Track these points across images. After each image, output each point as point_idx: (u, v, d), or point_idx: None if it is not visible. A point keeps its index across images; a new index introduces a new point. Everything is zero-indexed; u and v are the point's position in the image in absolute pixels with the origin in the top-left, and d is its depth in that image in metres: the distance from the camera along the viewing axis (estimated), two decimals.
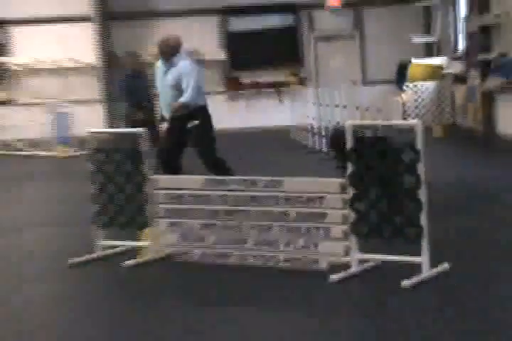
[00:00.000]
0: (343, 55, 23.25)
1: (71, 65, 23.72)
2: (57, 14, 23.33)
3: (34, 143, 19.30)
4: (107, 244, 7.33)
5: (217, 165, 9.69)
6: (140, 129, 7.16)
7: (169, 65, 9.58)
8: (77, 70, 23.87)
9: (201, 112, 9.64)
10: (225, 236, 6.89)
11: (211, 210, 6.94)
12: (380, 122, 7.88)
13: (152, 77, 12.44)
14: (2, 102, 23.01)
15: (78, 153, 17.85)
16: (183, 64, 9.56)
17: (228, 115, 20.62)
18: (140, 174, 7.07)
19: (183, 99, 9.50)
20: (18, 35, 23.96)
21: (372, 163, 6.17)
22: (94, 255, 7.25)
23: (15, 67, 23.53)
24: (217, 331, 5.24)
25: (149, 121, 12.37)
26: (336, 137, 9.44)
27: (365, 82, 22.86)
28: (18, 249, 8.39)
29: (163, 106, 9.90)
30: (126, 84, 13.11)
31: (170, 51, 9.59)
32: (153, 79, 12.07)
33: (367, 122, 7.08)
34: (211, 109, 9.85)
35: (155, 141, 11.84)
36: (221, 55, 23.40)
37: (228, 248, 6.86)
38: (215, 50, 23.40)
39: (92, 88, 23.70)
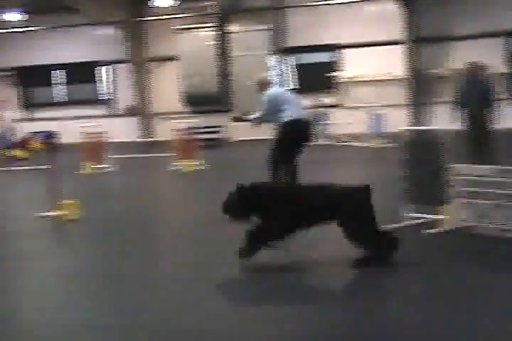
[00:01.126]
0: None
1: (385, 77, 23.67)
2: (376, 39, 23.43)
3: (354, 137, 19.44)
4: (412, 216, 7.15)
5: (274, 167, 9.96)
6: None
7: None
8: (390, 81, 23.76)
9: (281, 127, 9.92)
10: (507, 215, 6.43)
11: (497, 193, 6.52)
12: None
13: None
14: (333, 106, 23.51)
15: (389, 145, 17.79)
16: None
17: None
18: (438, 162, 6.87)
19: (253, 116, 10.39)
20: (347, 55, 24.33)
21: None
22: (403, 223, 7.10)
23: (343, 80, 23.88)
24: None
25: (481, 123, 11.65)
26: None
27: None
28: None
29: None
30: (465, 89, 12.08)
31: (260, 86, 10.23)
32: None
33: None
34: None
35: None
36: (504, 69, 22.22)
37: (509, 224, 6.41)
38: (498, 65, 22.23)
39: (400, 95, 23.53)
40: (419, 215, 7.15)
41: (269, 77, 11.10)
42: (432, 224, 6.92)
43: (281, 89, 10.93)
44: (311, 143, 10.49)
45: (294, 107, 10.03)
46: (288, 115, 9.87)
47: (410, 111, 23.03)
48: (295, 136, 9.93)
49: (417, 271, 5.64)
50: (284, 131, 9.90)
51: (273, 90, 10.24)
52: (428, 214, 7.08)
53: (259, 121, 10.38)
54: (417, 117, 22.69)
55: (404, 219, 7.12)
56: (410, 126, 20.77)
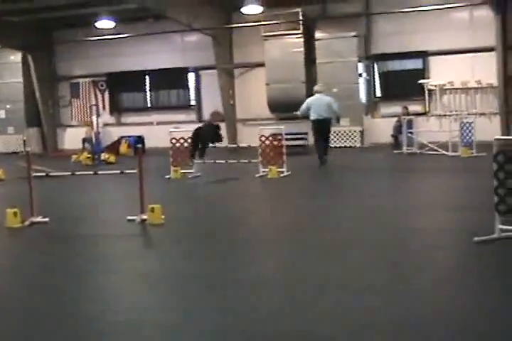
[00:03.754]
0: None
1: (475, 85, 23.16)
2: (466, 46, 22.97)
3: (443, 145, 19.04)
4: (504, 228, 6.89)
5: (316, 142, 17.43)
6: None
7: None
8: (480, 90, 23.26)
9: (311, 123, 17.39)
10: None
11: None
12: None
13: None
14: (421, 114, 23.14)
15: (478, 155, 17.41)
16: None
17: None
18: None
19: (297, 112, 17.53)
20: (435, 62, 23.92)
21: None
22: (494, 236, 6.84)
23: (431, 87, 23.46)
24: None
25: None
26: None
27: None
28: (431, 226, 8.22)
29: None
30: None
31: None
32: None
33: None
34: None
35: None
36: None
37: None
38: None
39: (490, 103, 23.00)
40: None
41: (319, 88, 17.85)
42: None
43: (318, 97, 17.22)
44: (330, 133, 18.14)
45: (317, 110, 16.89)
46: (312, 116, 16.98)
47: (502, 119, 22.44)
48: (315, 129, 17.18)
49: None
50: (311, 126, 17.39)
51: (310, 98, 17.54)
52: None
53: (299, 114, 17.34)
54: (509, 126, 22.10)
55: (497, 231, 6.87)
56: (501, 135, 20.24)
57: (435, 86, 23.44)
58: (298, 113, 17.39)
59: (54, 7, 23.86)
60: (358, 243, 7.11)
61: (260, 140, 15.04)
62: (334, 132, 23.61)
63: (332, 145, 23.10)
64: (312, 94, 17.98)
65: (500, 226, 6.87)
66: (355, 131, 23.93)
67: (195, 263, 6.40)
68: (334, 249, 6.82)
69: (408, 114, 22.00)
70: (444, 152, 18.70)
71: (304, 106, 17.20)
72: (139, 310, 4.93)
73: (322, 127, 17.02)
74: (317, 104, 16.97)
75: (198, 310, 4.85)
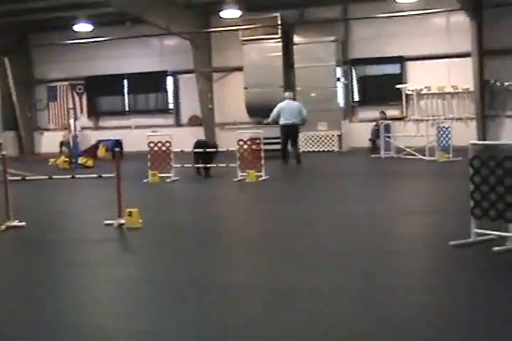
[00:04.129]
0: None
1: (452, 90, 23.39)
2: (443, 52, 23.19)
3: (420, 150, 19.17)
4: (480, 232, 6.96)
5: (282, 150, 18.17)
6: None
7: None
8: (456, 94, 23.49)
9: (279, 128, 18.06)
10: None
11: None
12: None
13: None
14: (398, 118, 23.29)
15: (454, 159, 17.54)
16: None
17: None
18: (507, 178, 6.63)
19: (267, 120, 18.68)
20: (412, 67, 24.12)
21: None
22: (470, 240, 6.91)
23: (408, 92, 23.66)
24: None
25: None
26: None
27: None
28: (407, 230, 8.27)
29: None
30: None
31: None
32: None
33: None
34: None
35: None
36: None
37: None
38: None
39: (466, 108, 23.23)
40: (488, 232, 6.95)
41: (289, 94, 18.92)
42: (502, 241, 6.72)
43: (288, 102, 18.18)
44: (298, 138, 18.75)
45: (288, 115, 17.73)
46: (281, 120, 17.80)
47: (478, 124, 22.67)
48: (284, 133, 17.96)
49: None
50: (280, 130, 18.04)
51: (280, 103, 18.15)
52: (496, 230, 6.89)
53: (270, 121, 18.23)
54: (485, 131, 22.33)
55: (473, 235, 6.93)
56: (478, 139, 20.43)
57: (412, 91, 23.64)
58: (269, 120, 18.35)
59: (32, 10, 23.74)
60: (336, 247, 7.14)
61: (238, 144, 15.03)
62: (312, 136, 23.73)
63: (310, 150, 23.30)
64: (282, 100, 18.78)
65: (476, 230, 6.93)
66: (333, 136, 23.99)
67: (173, 269, 6.39)
68: (324, 254, 6.85)
69: (386, 119, 22.12)
70: (421, 156, 18.82)
71: (275, 111, 18.03)
72: (116, 316, 4.91)
73: (291, 131, 17.94)
74: (287, 108, 17.92)
75: (174, 316, 4.85)
